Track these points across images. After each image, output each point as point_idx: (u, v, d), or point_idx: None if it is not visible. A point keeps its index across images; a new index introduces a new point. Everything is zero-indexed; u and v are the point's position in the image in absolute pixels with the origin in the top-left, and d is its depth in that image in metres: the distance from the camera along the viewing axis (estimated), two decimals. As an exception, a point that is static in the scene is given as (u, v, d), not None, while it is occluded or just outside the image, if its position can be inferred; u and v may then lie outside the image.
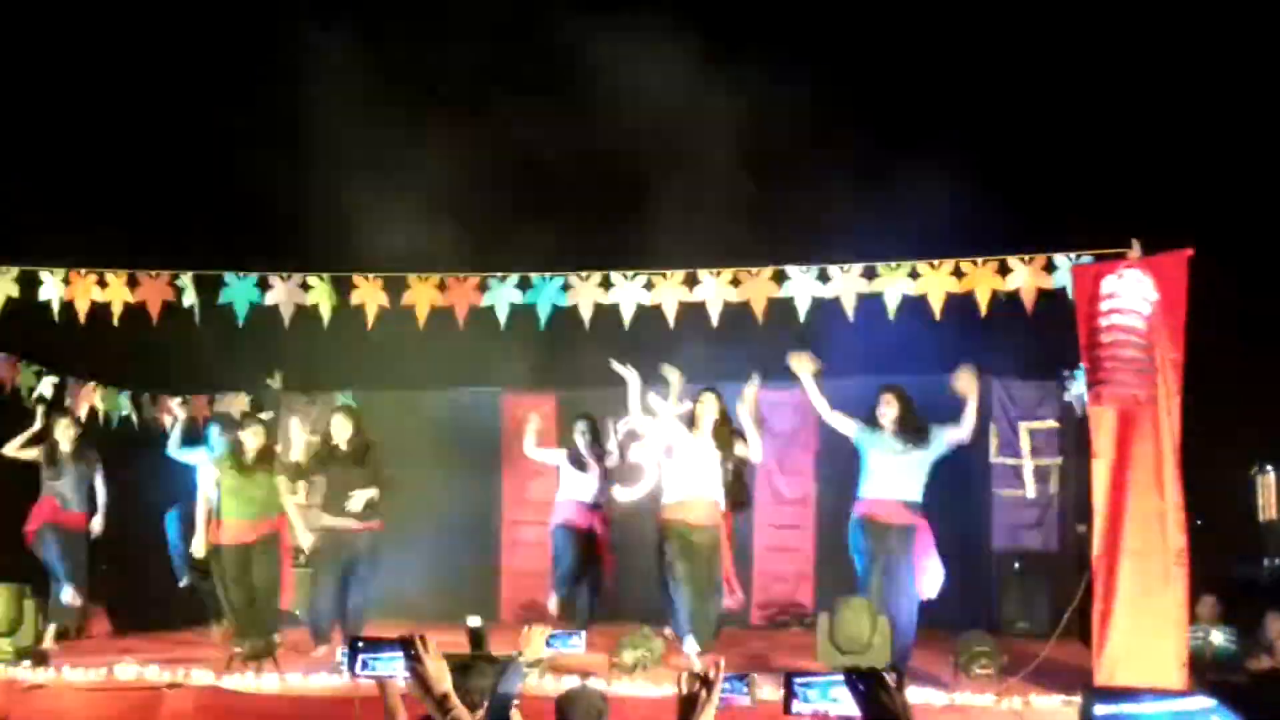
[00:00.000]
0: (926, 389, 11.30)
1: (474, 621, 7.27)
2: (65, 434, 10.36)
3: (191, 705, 7.83)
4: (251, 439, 9.73)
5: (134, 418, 11.80)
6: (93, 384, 11.31)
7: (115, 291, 9.16)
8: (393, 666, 4.09)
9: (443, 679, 3.69)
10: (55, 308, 9.18)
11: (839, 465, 11.61)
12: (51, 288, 9.17)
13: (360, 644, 4.36)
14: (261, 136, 10.96)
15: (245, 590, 9.75)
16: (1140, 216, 8.41)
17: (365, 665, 4.37)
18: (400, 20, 10.75)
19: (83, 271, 9.17)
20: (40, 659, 8.78)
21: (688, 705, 3.82)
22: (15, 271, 9.18)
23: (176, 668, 8.47)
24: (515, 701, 4.53)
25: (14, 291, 9.18)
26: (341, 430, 9.58)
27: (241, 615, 9.73)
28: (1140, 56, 10.64)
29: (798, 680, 3.69)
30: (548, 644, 4.90)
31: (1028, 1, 10.86)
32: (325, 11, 10.65)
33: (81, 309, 9.15)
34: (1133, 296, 7.63)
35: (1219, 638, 9.03)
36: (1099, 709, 5.32)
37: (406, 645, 3.70)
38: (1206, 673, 8.33)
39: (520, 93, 11.14)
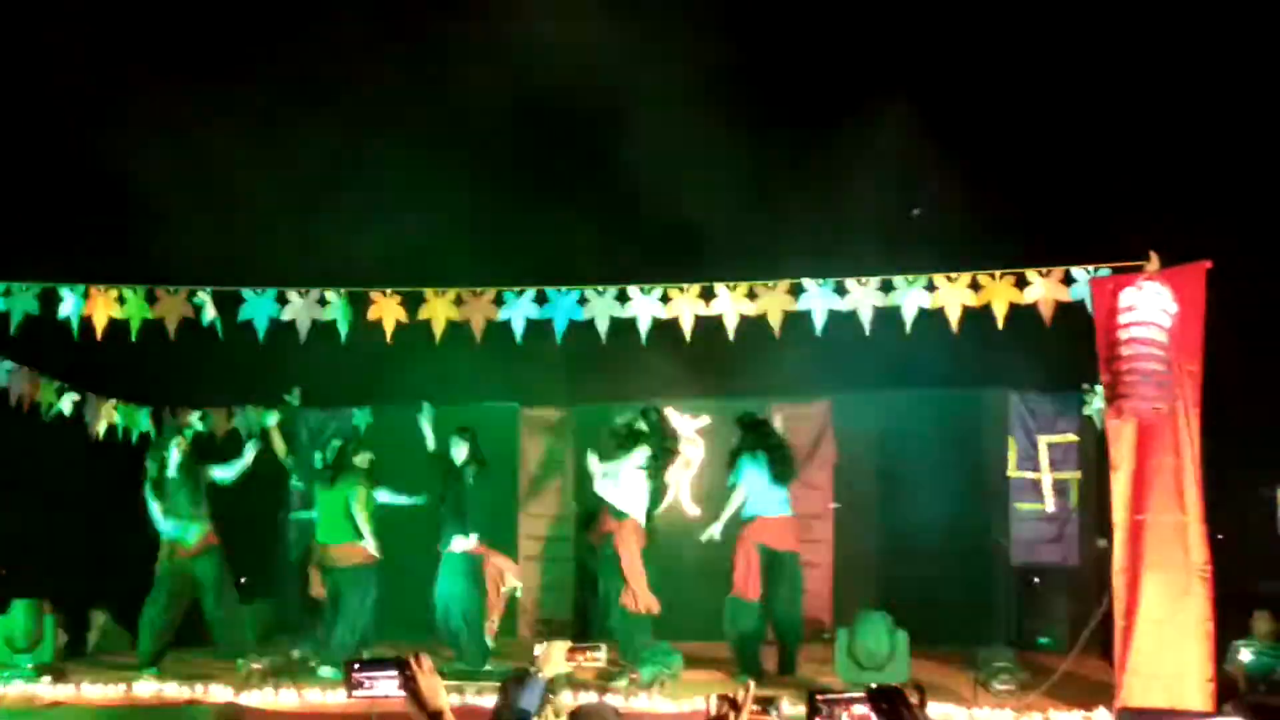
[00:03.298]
0: (943, 403, 11.37)
1: None
2: (174, 455, 10.04)
3: (210, 721, 7.86)
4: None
5: (154, 433, 11.81)
6: (113, 400, 11.31)
7: (134, 307, 9.18)
8: (389, 686, 4.11)
9: (436, 696, 3.71)
10: (75, 324, 9.19)
11: (858, 480, 11.66)
12: (71, 304, 9.19)
13: (357, 665, 4.38)
14: (273, 151, 11.00)
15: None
16: (1158, 229, 8.38)
17: (361, 685, 4.38)
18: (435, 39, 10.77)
19: (102, 288, 9.19)
20: (60, 675, 8.79)
21: None
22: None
23: (195, 684, 8.49)
24: (534, 718, 4.52)
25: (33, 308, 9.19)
26: (459, 450, 9.69)
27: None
28: (1159, 69, 10.62)
29: (820, 698, 3.69)
30: (567, 656, 4.89)
31: (1046, 14, 10.83)
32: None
33: (100, 325, 9.16)
34: (1152, 309, 7.60)
35: (1247, 654, 8.95)
36: (1134, 730, 5.30)
37: (401, 664, 3.72)
38: (1248, 692, 8.28)
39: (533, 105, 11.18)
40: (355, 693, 4.37)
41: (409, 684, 3.71)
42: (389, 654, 4.30)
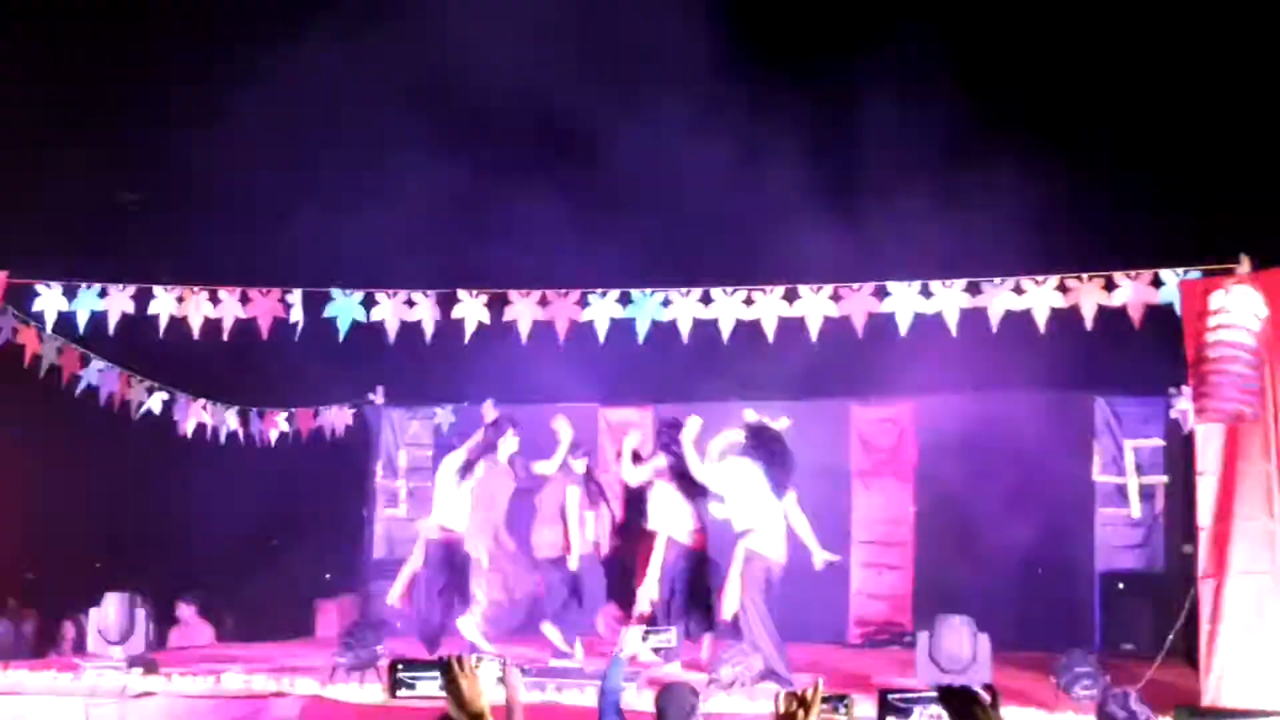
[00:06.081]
0: (1028, 406, 11.25)
1: None
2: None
3: (296, 713, 7.98)
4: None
5: (240, 432, 12.02)
6: (202, 400, 11.50)
7: (228, 307, 9.35)
8: (432, 687, 4.15)
9: (477, 698, 3.73)
10: (163, 323, 9.39)
11: (939, 483, 11.59)
12: (162, 303, 9.38)
13: (400, 666, 4.44)
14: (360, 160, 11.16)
15: None
16: (1250, 231, 8.24)
17: (405, 686, 4.44)
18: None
19: (195, 288, 9.38)
20: (150, 666, 8.98)
21: None
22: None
23: (282, 676, 8.63)
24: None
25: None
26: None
27: None
28: (1255, 68, 10.43)
29: (892, 697, 3.70)
30: (642, 639, 5.31)
31: (1146, 14, 10.67)
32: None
33: (195, 325, 9.35)
34: (1241, 312, 7.47)
35: None
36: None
37: (444, 666, 3.76)
38: None
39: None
40: (399, 693, 4.44)
41: (450, 685, 3.74)
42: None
